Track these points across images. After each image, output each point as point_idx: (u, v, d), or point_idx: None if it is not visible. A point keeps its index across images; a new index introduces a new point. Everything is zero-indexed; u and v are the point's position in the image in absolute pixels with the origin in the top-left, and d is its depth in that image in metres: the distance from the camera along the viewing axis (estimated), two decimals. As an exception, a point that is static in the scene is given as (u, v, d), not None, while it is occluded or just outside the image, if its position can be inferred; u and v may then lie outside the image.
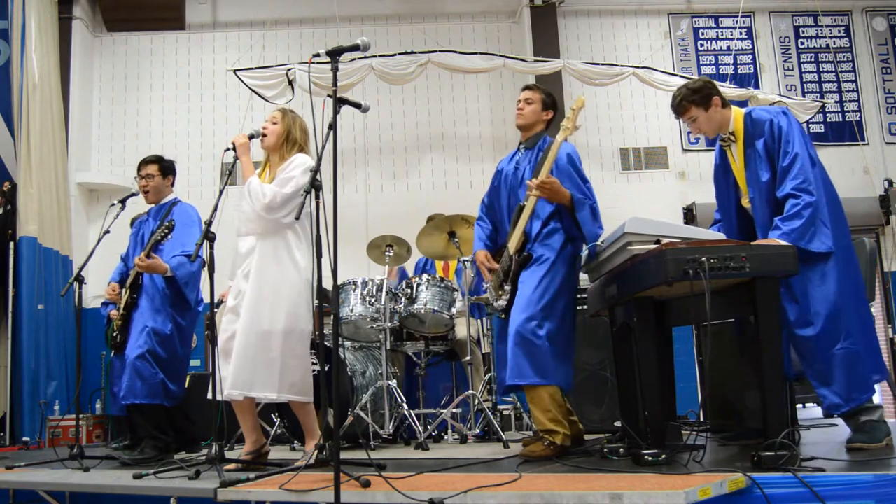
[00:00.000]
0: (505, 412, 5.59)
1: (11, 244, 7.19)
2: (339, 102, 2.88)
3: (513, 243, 3.63)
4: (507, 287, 3.65)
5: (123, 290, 4.32)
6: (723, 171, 3.51)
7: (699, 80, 3.50)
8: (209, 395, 3.46)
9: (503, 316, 3.73)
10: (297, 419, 3.73)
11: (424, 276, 4.94)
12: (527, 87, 3.87)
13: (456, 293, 4.97)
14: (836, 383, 3.01)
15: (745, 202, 3.39)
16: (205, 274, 3.77)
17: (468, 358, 4.87)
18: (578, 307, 3.86)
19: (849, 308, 3.07)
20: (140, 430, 4.20)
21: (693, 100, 3.38)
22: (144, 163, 4.47)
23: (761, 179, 3.25)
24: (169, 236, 4.16)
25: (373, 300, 4.79)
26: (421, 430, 4.59)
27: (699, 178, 8.48)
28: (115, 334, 4.33)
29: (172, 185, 4.55)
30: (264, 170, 3.72)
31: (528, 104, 3.79)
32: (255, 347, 3.41)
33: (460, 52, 8.06)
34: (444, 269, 5.87)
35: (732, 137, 3.39)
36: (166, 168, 4.48)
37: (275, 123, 3.70)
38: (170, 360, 4.18)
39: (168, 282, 4.21)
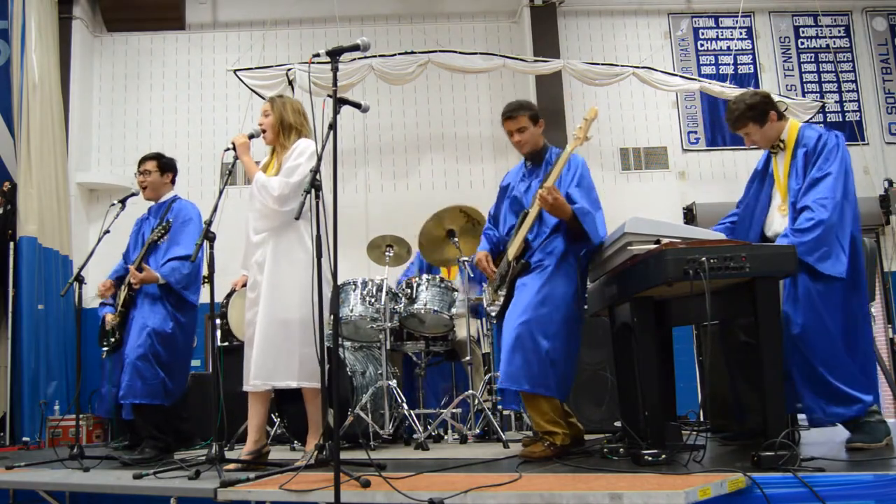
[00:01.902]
0: (505, 412, 5.59)
1: (11, 244, 7.19)
2: (339, 102, 2.88)
3: (512, 249, 3.59)
4: (502, 293, 3.63)
5: (122, 287, 4.32)
6: (761, 177, 3.50)
7: (756, 94, 3.44)
8: (244, 387, 3.50)
9: (495, 321, 3.70)
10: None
11: (424, 277, 4.94)
12: (508, 118, 3.66)
13: (456, 293, 4.97)
14: (843, 404, 3.04)
15: (783, 210, 3.35)
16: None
17: (468, 358, 4.87)
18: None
19: (852, 334, 3.09)
20: (140, 431, 4.20)
21: (750, 116, 3.36)
22: (143, 159, 4.47)
23: (793, 188, 3.25)
24: (165, 237, 4.16)
25: (373, 300, 4.79)
26: (421, 430, 4.59)
27: (699, 178, 8.48)
28: (112, 332, 4.33)
29: (172, 182, 4.53)
30: (271, 162, 3.68)
31: (520, 133, 3.65)
32: (276, 337, 3.43)
33: (460, 52, 8.07)
34: (448, 271, 5.86)
35: (782, 146, 3.38)
36: (165, 165, 4.46)
37: (267, 116, 3.66)
38: (171, 359, 4.17)
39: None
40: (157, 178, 4.42)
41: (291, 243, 3.52)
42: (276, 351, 3.43)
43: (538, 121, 3.70)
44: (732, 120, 3.44)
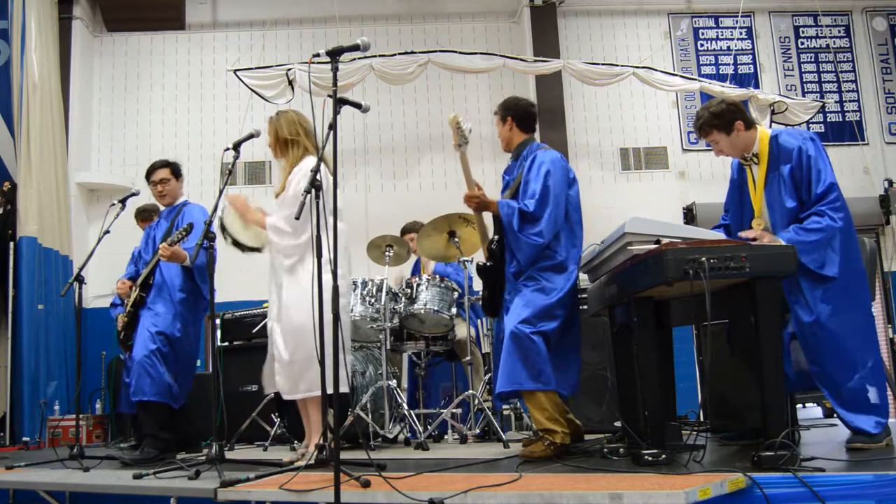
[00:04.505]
0: (505, 412, 5.59)
1: (11, 244, 7.19)
2: (339, 102, 2.88)
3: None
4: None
5: (134, 288, 4.34)
6: (738, 189, 3.49)
7: (722, 102, 3.43)
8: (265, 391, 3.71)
9: (487, 313, 3.89)
10: (297, 419, 3.75)
11: (424, 277, 4.93)
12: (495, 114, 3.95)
13: (456, 293, 4.96)
14: (861, 412, 3.06)
15: (758, 223, 3.37)
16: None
17: (468, 358, 4.87)
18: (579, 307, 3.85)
19: (861, 336, 3.09)
20: (144, 428, 4.22)
21: (714, 124, 3.35)
22: (154, 168, 4.50)
23: (785, 205, 3.23)
24: (187, 239, 4.19)
25: (373, 300, 4.79)
26: (421, 430, 4.60)
27: (699, 178, 8.48)
28: (120, 332, 4.36)
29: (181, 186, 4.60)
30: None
31: (497, 128, 3.92)
32: (292, 354, 3.56)
33: (460, 52, 8.07)
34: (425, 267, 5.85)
35: (755, 159, 3.35)
36: (177, 171, 4.54)
37: (269, 135, 3.81)
38: (178, 360, 4.22)
39: (183, 281, 4.23)
40: (175, 184, 4.51)
41: (295, 265, 3.64)
42: (294, 367, 3.56)
43: (507, 119, 3.86)
44: (697, 128, 3.44)
